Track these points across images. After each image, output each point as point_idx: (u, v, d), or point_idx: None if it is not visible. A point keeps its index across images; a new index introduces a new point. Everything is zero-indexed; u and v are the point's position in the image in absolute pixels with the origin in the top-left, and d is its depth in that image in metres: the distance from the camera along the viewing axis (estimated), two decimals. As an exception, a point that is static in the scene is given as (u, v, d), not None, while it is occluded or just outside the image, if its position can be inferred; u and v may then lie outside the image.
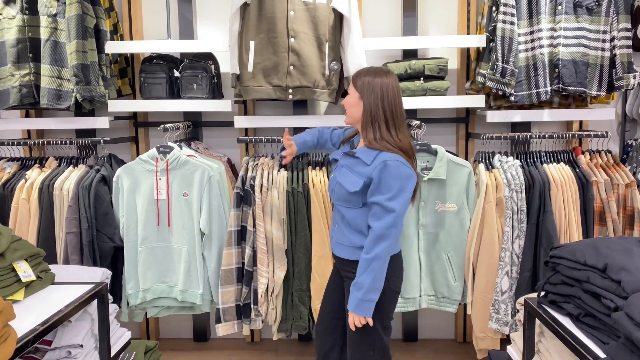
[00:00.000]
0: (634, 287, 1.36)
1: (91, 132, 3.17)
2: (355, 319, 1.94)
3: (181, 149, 2.82)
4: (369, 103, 1.98)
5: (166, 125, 2.78)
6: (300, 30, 2.60)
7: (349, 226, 2.05)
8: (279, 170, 2.79)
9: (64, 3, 2.72)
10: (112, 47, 2.87)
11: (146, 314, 2.88)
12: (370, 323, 1.95)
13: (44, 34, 2.75)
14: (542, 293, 1.81)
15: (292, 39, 2.60)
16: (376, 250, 1.89)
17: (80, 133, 3.17)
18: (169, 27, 2.99)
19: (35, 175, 2.81)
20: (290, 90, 2.69)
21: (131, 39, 3.20)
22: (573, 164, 2.82)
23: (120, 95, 3.16)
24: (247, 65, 2.68)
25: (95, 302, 1.92)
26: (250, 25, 2.66)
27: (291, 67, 2.64)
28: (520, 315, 1.98)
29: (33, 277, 1.78)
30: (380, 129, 1.96)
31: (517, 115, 2.86)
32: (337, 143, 2.38)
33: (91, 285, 1.91)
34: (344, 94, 2.79)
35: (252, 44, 2.66)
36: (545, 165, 2.78)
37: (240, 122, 2.90)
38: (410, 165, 1.97)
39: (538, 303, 1.79)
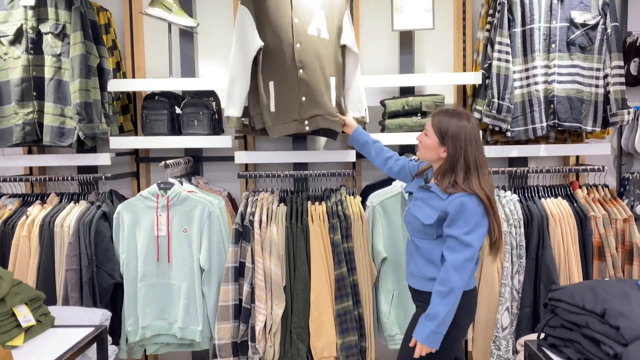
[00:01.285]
0: (632, 334, 1.37)
1: (92, 168, 3.19)
2: (423, 350, 1.94)
3: (182, 184, 2.84)
4: (453, 151, 2.00)
5: (167, 161, 2.80)
6: (307, 61, 2.61)
7: (423, 257, 2.07)
8: (278, 205, 2.81)
9: (68, 43, 2.78)
10: (115, 85, 2.92)
11: (145, 350, 2.86)
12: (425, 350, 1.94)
13: (48, 73, 2.80)
14: (542, 335, 1.81)
15: (300, 71, 2.61)
16: (451, 283, 1.89)
17: (82, 169, 3.20)
18: (171, 65, 3.04)
19: (36, 212, 2.83)
20: (306, 122, 2.64)
21: (133, 76, 3.26)
22: (571, 198, 2.84)
23: (122, 131, 3.20)
24: (270, 106, 2.64)
25: (94, 345, 1.92)
26: (265, 67, 2.64)
27: (303, 98, 2.61)
28: (521, 356, 1.98)
29: (33, 322, 1.78)
30: (458, 178, 1.98)
31: (514, 150, 2.89)
32: (409, 174, 2.39)
33: (91, 329, 1.92)
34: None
35: (271, 85, 2.63)
36: (543, 199, 2.80)
37: (241, 157, 2.94)
38: (486, 206, 1.96)
39: (538, 346, 1.79)
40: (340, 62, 2.73)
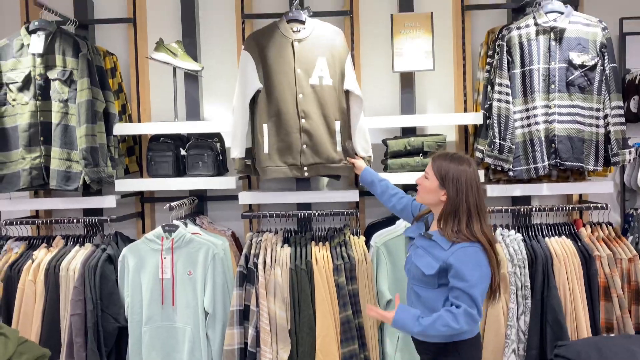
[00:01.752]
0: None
1: (98, 211, 3.21)
2: (379, 316, 2.07)
3: (186, 226, 2.86)
4: (454, 195, 2.00)
5: (172, 204, 2.83)
6: (310, 111, 2.69)
7: (424, 306, 2.05)
8: (282, 246, 2.82)
9: (75, 89, 2.83)
10: (121, 129, 2.97)
11: (149, 395, 2.83)
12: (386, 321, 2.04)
13: (55, 118, 2.85)
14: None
15: (302, 120, 2.69)
16: (456, 326, 1.88)
17: (88, 211, 3.22)
18: (176, 108, 3.09)
19: (42, 256, 2.84)
20: (305, 168, 2.74)
21: (139, 118, 3.31)
22: (575, 237, 2.83)
23: (127, 172, 3.24)
24: (263, 147, 2.72)
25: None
26: (261, 110, 2.73)
27: (304, 146, 2.71)
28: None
29: (38, 379, 1.79)
30: (461, 223, 1.98)
31: (517, 189, 2.90)
32: (412, 214, 2.39)
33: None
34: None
35: (265, 127, 2.72)
36: (547, 238, 2.80)
37: (244, 198, 2.96)
38: (488, 253, 1.98)
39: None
40: (344, 106, 2.78)
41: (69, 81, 2.85)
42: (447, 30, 3.30)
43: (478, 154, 2.89)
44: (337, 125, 2.72)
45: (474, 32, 3.28)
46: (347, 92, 2.79)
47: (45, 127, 2.87)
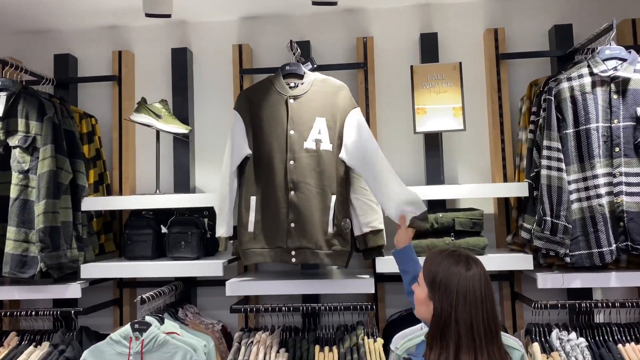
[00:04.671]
0: None
1: (70, 300, 2.67)
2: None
3: (162, 323, 2.32)
4: (439, 306, 1.44)
5: (143, 296, 2.30)
6: (300, 181, 2.19)
7: None
8: (277, 351, 2.25)
9: (37, 158, 2.40)
10: (89, 204, 2.51)
11: None
12: None
13: (13, 192, 2.41)
14: None
15: (292, 192, 2.19)
16: None
17: (57, 301, 2.71)
18: (159, 179, 2.63)
19: (-13, 359, 2.34)
20: (293, 252, 2.23)
21: (120, 188, 2.86)
22: (657, 343, 2.17)
23: (103, 252, 2.76)
24: (248, 225, 2.25)
25: None
26: (249, 179, 2.28)
27: (292, 224, 2.21)
28: None
29: None
30: (448, 354, 1.39)
31: (576, 280, 2.27)
32: None
33: None
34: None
35: (253, 200, 2.25)
36: (620, 345, 2.15)
37: (233, 287, 2.40)
38: None
39: None
40: (343, 176, 2.24)
41: (31, 148, 2.43)
42: (479, 83, 2.80)
43: (524, 234, 2.30)
44: (332, 201, 2.19)
45: (512, 85, 2.76)
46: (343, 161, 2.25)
47: (2, 202, 2.44)
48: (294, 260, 2.22)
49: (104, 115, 2.96)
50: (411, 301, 1.89)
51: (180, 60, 2.90)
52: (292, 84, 2.28)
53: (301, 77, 2.28)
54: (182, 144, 2.83)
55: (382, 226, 2.21)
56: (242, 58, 2.86)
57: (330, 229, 2.17)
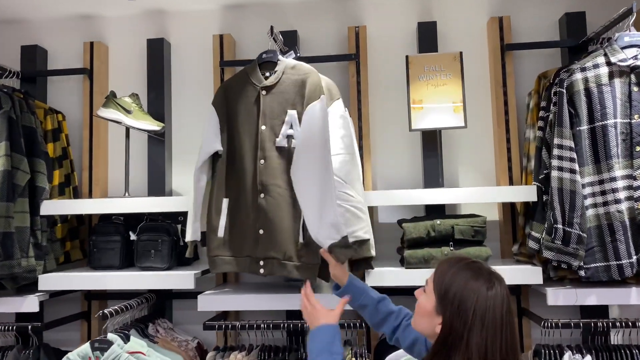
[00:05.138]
0: None
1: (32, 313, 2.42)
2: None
3: (126, 341, 2.07)
4: (448, 324, 1.21)
5: (105, 311, 2.06)
6: (270, 184, 1.95)
7: None
8: (256, 375, 2.00)
9: (-9, 157, 2.17)
10: (49, 208, 2.27)
11: None
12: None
13: (-36, 194, 2.18)
14: None
15: (261, 195, 1.95)
16: None
17: (20, 315, 2.46)
18: (128, 181, 2.40)
19: None
20: (261, 263, 1.99)
21: (90, 191, 2.62)
22: (685, 370, 1.90)
23: (68, 261, 2.52)
24: (217, 229, 2.04)
25: None
26: (220, 180, 2.06)
27: (260, 231, 1.98)
28: None
29: None
30: None
31: (591, 296, 2.01)
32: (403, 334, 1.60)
33: None
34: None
35: (225, 202, 2.04)
36: (642, 371, 1.89)
37: (205, 302, 2.15)
38: None
39: None
40: None
41: (-17, 146, 2.19)
42: (482, 77, 2.55)
43: (532, 244, 2.04)
44: None
45: (519, 78, 2.51)
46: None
47: (-47, 206, 2.21)
48: (262, 271, 1.99)
49: (74, 111, 2.73)
50: (390, 337, 1.64)
51: (157, 52, 2.67)
52: (267, 74, 2.03)
53: (276, 65, 2.04)
54: (157, 142, 2.60)
55: (367, 236, 1.95)
56: (224, 49, 2.62)
57: (301, 239, 1.91)
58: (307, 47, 2.64)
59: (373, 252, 1.98)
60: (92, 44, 2.72)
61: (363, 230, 1.93)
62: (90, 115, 2.66)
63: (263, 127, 1.94)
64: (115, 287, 2.21)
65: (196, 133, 2.66)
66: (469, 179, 2.53)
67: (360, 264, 2.01)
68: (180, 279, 2.17)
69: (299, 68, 2.01)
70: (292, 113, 1.92)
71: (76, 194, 2.58)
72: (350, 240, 1.90)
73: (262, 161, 1.93)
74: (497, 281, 1.23)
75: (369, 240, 1.95)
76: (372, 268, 2.03)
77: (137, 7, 2.71)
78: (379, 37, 2.63)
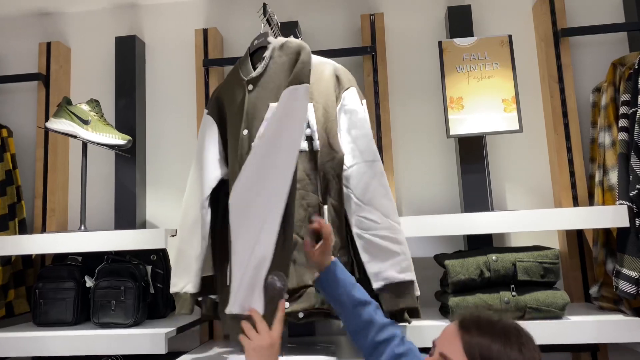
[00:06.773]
0: None
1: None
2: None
3: None
4: None
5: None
6: None
7: None
8: None
9: None
10: (-24, 248, 1.74)
11: None
12: None
13: None
14: None
15: None
16: None
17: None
18: (84, 210, 1.87)
19: None
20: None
21: (44, 223, 2.10)
22: None
23: (11, 314, 1.97)
24: (226, 276, 1.53)
25: None
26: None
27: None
28: None
29: None
30: None
31: None
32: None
33: None
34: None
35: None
36: None
37: (186, 371, 1.60)
38: None
39: None
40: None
41: None
42: (530, 71, 2.04)
43: (624, 286, 1.49)
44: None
45: (578, 71, 1.99)
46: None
47: None
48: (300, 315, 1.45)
49: (26, 126, 2.23)
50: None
51: (128, 52, 2.17)
52: (258, 64, 1.52)
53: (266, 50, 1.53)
54: (127, 161, 2.08)
55: (405, 276, 1.40)
56: (208, 45, 2.13)
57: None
58: (312, 40, 2.14)
59: (415, 302, 1.43)
60: (49, 44, 2.23)
61: (397, 268, 1.38)
62: (46, 131, 2.15)
63: (245, 132, 1.42)
64: (63, 352, 1.66)
65: (176, 149, 2.16)
66: (518, 199, 1.99)
67: (400, 316, 1.46)
68: (148, 341, 1.61)
69: (287, 46, 1.50)
70: (274, 106, 1.40)
71: (23, 229, 2.05)
72: (380, 285, 1.36)
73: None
74: (528, 342, 0.91)
75: (409, 282, 1.40)
76: (419, 317, 1.47)
77: (105, 1, 2.23)
78: (400, 26, 2.13)
